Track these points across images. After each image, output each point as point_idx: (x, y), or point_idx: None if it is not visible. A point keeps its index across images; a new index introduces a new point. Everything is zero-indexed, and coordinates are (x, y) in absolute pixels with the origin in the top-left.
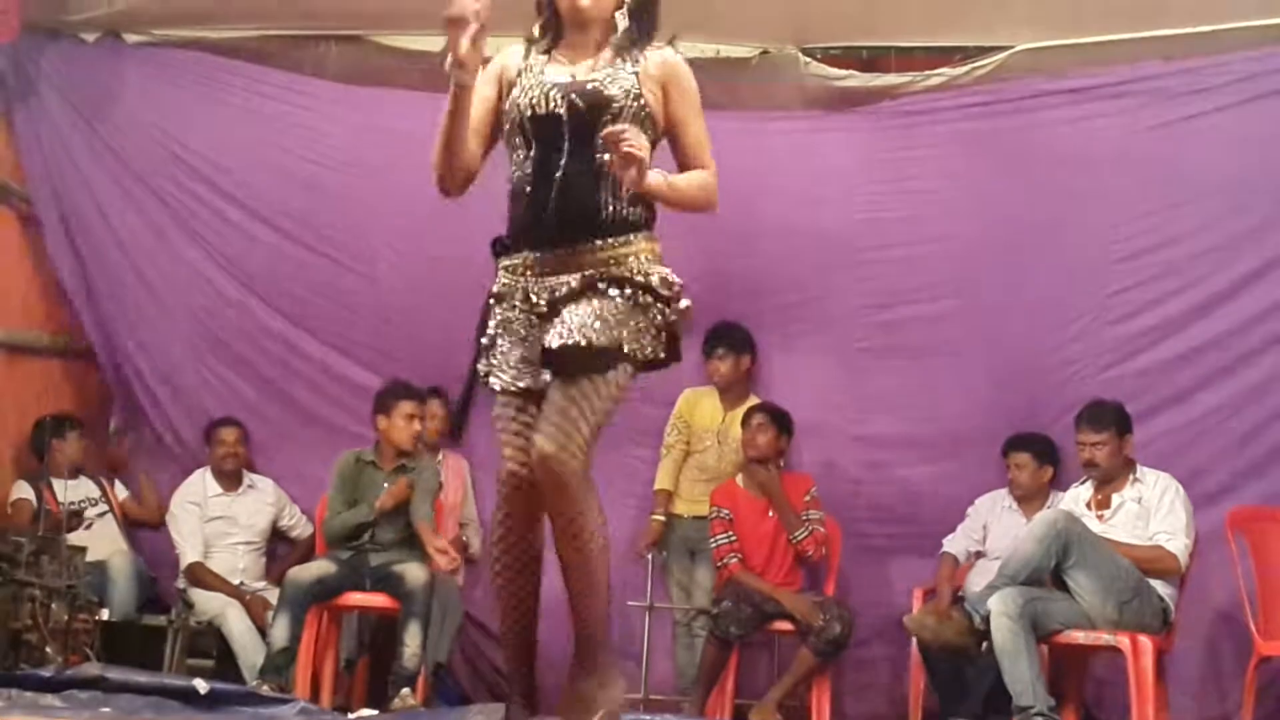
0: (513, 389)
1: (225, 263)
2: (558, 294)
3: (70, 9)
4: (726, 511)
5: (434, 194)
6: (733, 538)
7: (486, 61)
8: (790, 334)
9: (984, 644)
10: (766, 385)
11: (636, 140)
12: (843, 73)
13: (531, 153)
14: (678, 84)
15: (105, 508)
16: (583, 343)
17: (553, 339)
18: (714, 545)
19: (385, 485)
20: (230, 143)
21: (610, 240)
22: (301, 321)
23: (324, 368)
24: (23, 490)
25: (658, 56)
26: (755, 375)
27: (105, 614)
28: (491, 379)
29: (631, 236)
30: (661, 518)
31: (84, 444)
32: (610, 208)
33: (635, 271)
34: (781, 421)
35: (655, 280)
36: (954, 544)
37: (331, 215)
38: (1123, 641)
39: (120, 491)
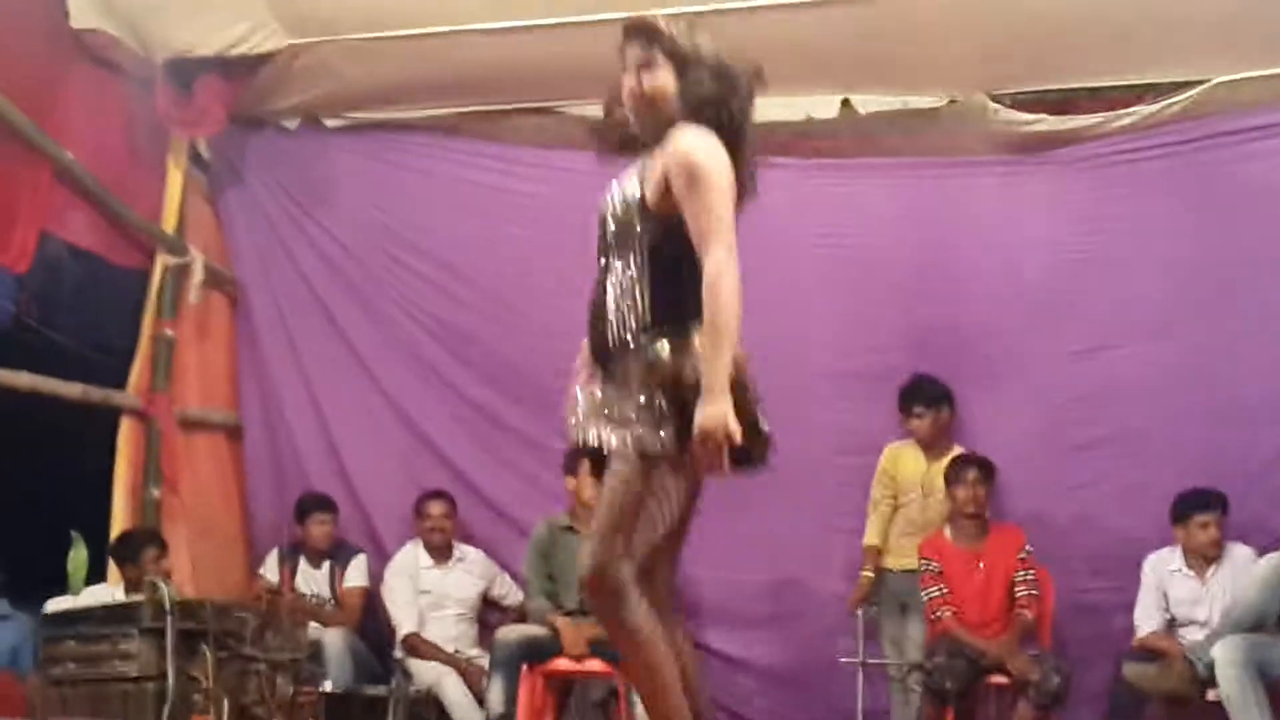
0: None
1: (435, 330)
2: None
3: (269, 99)
4: (936, 564)
5: None
6: (945, 590)
7: None
8: (992, 383)
9: (1206, 693)
10: (970, 435)
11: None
12: (1033, 117)
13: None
14: (672, 164)
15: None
16: (593, 441)
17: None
18: (926, 598)
19: None
20: (434, 211)
21: (624, 340)
22: (508, 389)
23: (529, 436)
24: (270, 565)
25: (668, 141)
26: (956, 424)
27: (328, 686)
28: None
29: (643, 336)
30: (871, 574)
31: (334, 528)
32: (619, 314)
33: (642, 366)
34: (990, 472)
35: (654, 366)
36: (1148, 620)
37: (536, 278)
38: None
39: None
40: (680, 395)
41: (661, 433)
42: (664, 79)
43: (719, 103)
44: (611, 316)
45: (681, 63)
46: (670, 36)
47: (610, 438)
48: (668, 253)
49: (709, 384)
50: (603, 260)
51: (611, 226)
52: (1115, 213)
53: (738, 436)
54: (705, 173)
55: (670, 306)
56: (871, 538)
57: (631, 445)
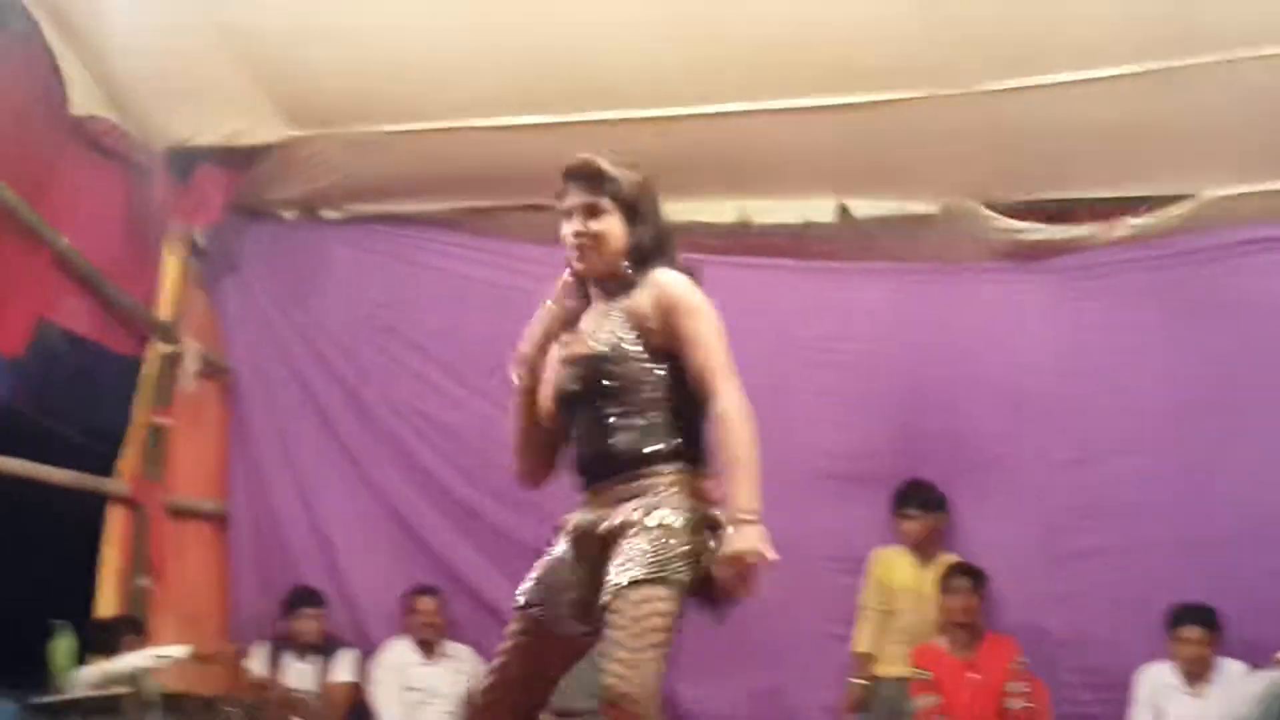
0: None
1: (422, 427)
2: (598, 530)
3: (269, 190)
4: (928, 673)
5: None
6: (936, 699)
7: None
8: (985, 490)
9: None
10: (962, 542)
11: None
12: (1029, 226)
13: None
14: (669, 306)
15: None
16: (624, 583)
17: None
18: (917, 707)
19: None
20: (425, 303)
21: (635, 475)
22: (495, 488)
23: (516, 534)
24: (256, 659)
25: (651, 283)
26: (949, 531)
27: None
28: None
29: (660, 468)
30: (862, 681)
31: (323, 622)
32: (625, 448)
33: (658, 503)
34: (981, 581)
35: (666, 516)
36: None
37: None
38: None
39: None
40: (701, 527)
41: (690, 562)
42: (611, 223)
43: (663, 246)
44: (625, 448)
45: (627, 207)
46: (616, 180)
47: (636, 572)
48: (678, 388)
49: (743, 508)
50: (586, 402)
51: (596, 375)
52: (1109, 323)
53: (771, 555)
54: (701, 311)
55: (687, 440)
56: (862, 644)
57: (669, 572)
